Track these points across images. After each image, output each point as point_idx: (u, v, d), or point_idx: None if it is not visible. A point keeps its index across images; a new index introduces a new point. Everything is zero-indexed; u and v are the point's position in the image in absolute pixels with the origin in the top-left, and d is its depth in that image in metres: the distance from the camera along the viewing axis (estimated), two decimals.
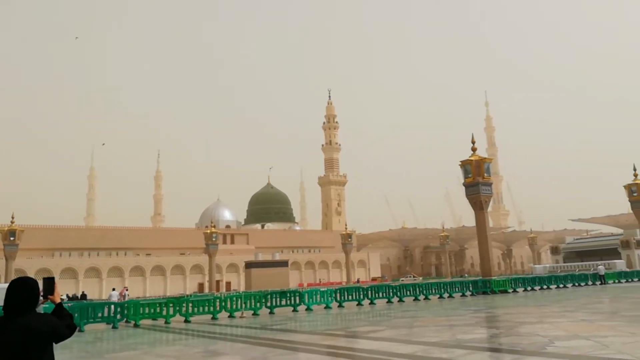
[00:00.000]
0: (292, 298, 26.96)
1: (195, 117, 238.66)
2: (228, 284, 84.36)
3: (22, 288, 3.38)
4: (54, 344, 3.41)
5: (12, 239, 51.99)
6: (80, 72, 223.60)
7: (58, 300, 3.72)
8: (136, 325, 21.75)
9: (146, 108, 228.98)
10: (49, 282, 3.76)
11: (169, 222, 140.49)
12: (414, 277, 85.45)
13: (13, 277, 54.92)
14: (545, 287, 38.13)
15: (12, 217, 53.41)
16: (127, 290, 40.75)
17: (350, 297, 28.75)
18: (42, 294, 3.70)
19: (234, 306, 24.93)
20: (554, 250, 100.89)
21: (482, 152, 36.99)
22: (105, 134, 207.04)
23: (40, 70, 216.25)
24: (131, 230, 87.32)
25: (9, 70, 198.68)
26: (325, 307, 26.91)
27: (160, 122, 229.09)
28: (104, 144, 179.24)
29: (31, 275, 69.60)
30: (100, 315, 21.90)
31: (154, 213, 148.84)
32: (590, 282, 41.40)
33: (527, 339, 11.03)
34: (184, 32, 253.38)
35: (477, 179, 34.71)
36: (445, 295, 32.16)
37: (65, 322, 3.50)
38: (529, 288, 36.93)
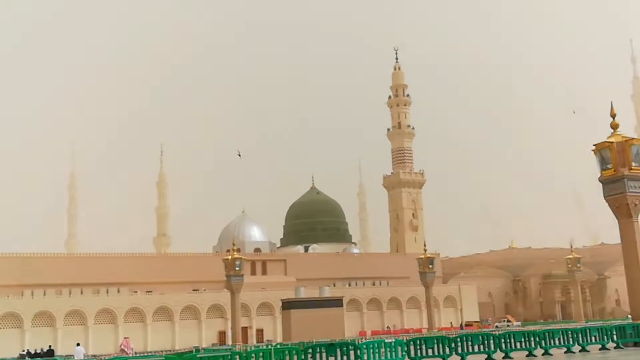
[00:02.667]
0: (345, 353, 25.86)
1: (207, 96, 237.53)
2: (259, 332, 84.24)
3: None
4: None
5: None
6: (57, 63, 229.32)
7: None
8: None
9: (142, 86, 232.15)
10: None
11: (177, 246, 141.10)
12: (508, 322, 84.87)
13: None
14: None
15: None
16: (128, 341, 40.21)
17: (430, 352, 27.36)
18: None
19: None
20: None
21: (628, 131, 34.55)
22: (87, 125, 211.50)
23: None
24: (126, 258, 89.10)
25: None
26: None
27: (164, 107, 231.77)
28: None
29: None
30: None
31: (157, 233, 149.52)
32: None
33: None
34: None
35: (620, 170, 32.44)
36: (576, 348, 30.24)
37: None
38: None
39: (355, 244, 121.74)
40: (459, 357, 27.67)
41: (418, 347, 27.32)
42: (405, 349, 27.11)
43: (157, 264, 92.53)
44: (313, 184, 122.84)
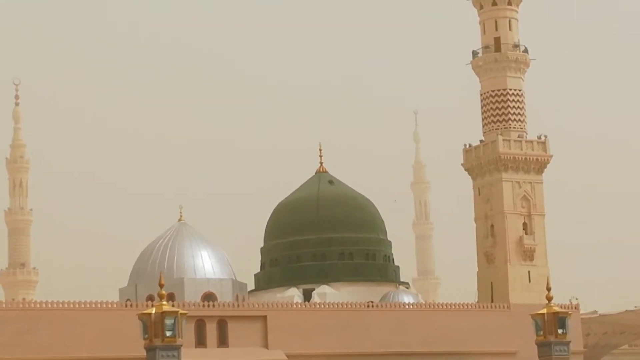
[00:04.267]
0: None
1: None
2: None
3: None
4: None
5: None
6: None
7: None
8: None
9: None
10: None
11: (45, 290, 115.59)
12: None
13: None
14: None
15: None
16: None
17: None
18: None
19: None
20: None
21: None
22: None
23: None
24: None
25: None
26: None
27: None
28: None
29: None
30: None
31: (8, 263, 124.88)
32: None
33: None
34: None
35: None
36: None
37: None
38: None
39: (407, 285, 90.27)
40: None
41: None
42: None
43: (11, 324, 63.74)
44: (321, 164, 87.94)
